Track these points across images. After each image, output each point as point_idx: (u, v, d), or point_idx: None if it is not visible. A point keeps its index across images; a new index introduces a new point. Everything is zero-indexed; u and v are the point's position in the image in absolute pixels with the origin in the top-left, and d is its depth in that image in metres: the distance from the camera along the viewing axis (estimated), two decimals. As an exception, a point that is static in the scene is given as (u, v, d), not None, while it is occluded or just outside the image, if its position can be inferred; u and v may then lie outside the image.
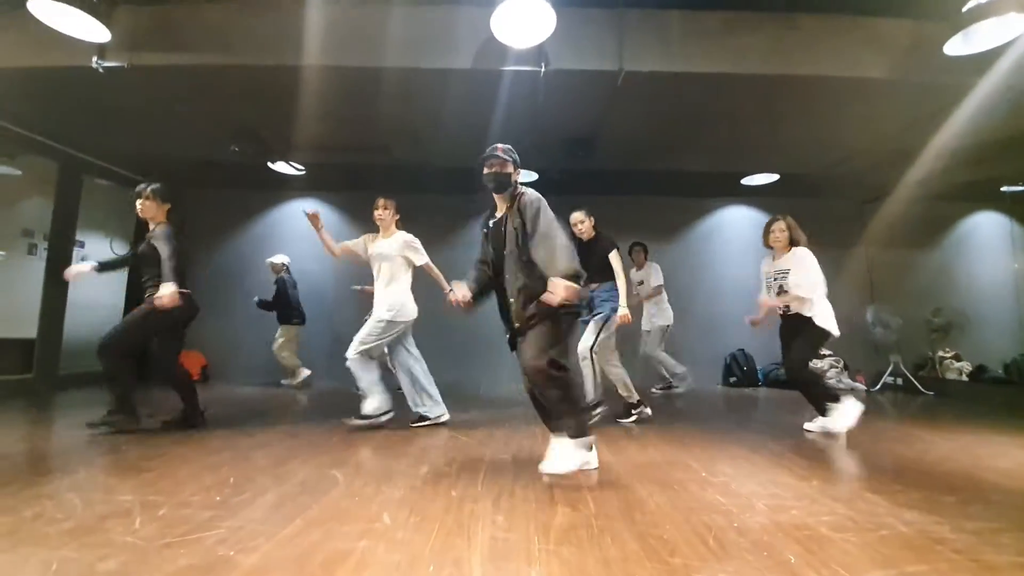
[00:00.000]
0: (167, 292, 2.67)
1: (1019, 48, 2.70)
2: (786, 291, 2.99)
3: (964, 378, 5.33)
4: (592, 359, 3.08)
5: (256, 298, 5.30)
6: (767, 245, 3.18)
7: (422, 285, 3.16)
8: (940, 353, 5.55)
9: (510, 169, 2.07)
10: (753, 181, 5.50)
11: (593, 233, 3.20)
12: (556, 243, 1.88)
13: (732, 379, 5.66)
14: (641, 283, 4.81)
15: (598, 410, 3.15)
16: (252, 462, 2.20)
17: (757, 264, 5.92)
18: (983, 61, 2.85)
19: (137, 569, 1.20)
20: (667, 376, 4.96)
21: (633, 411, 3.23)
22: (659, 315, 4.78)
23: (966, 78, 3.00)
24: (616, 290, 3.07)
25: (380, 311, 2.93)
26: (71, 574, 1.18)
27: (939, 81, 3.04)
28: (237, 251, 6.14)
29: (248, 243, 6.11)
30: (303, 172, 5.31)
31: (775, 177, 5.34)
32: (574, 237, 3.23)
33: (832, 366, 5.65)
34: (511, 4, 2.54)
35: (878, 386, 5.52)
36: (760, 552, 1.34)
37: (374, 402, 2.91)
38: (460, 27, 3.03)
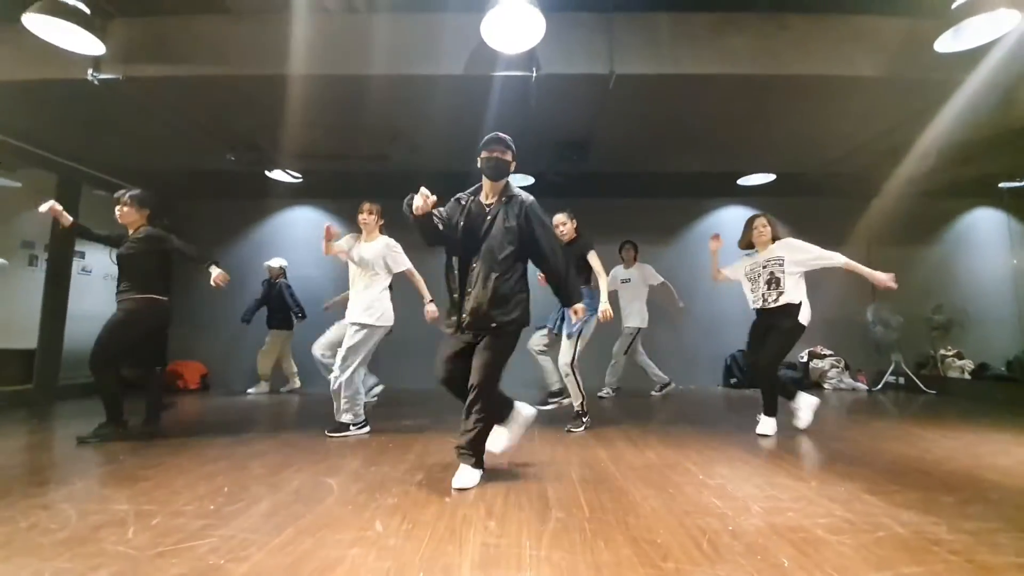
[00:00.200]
0: (219, 273, 2.89)
1: (1009, 43, 2.70)
2: (779, 279, 2.96)
3: (966, 376, 5.30)
4: (574, 373, 3.11)
5: (301, 314, 5.32)
6: (748, 245, 3.19)
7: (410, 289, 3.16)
8: (942, 351, 5.52)
9: (509, 158, 2.08)
10: (750, 181, 5.50)
11: (574, 235, 3.22)
12: (570, 272, 2.20)
13: (732, 380, 5.64)
14: (628, 280, 4.79)
15: (585, 420, 3.18)
16: (248, 471, 2.20)
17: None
18: (974, 57, 2.85)
19: (128, 579, 1.20)
20: (612, 383, 4.91)
21: (551, 399, 3.34)
22: (634, 317, 4.74)
23: (958, 74, 3.00)
24: (591, 297, 3.09)
25: (358, 314, 2.90)
26: (62, 585, 1.18)
27: (931, 78, 3.04)
28: (236, 259, 6.14)
29: (247, 251, 6.13)
30: (300, 180, 5.33)
31: (771, 177, 5.34)
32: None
33: (833, 366, 5.63)
34: (501, 10, 2.56)
35: (880, 385, 5.49)
36: (753, 555, 1.33)
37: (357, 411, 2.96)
38: (451, 34, 3.05)
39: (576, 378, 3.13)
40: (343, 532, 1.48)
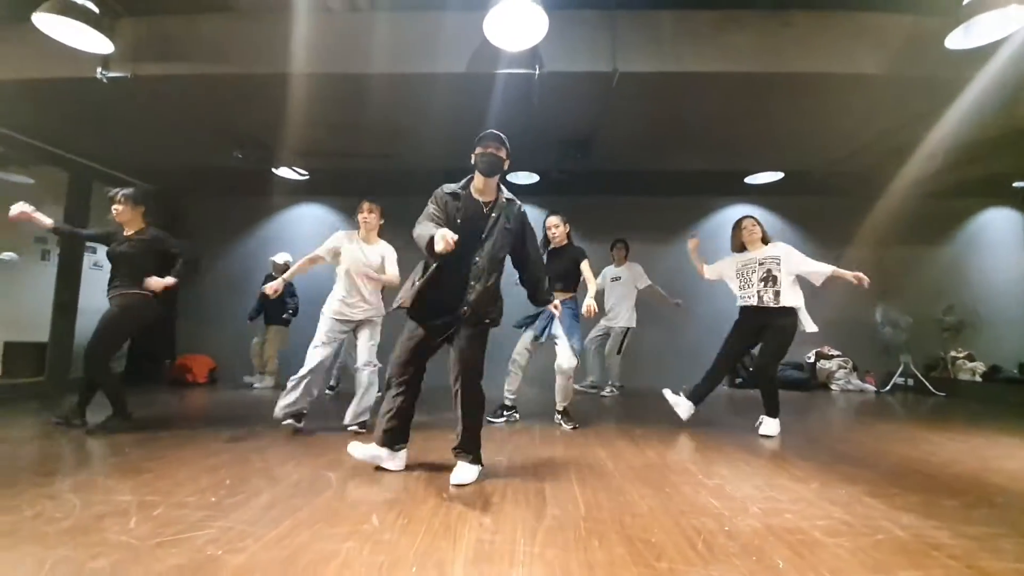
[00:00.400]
0: (157, 283, 2.92)
1: (1020, 40, 2.64)
2: (776, 277, 2.97)
3: (977, 378, 5.21)
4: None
5: (290, 310, 5.37)
6: (739, 246, 3.19)
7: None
8: (952, 353, 5.43)
9: (504, 155, 2.08)
10: (757, 180, 5.44)
11: (565, 240, 3.24)
12: (545, 278, 2.33)
13: (738, 380, 5.60)
14: (619, 279, 4.76)
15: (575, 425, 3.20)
16: (249, 464, 2.23)
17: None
18: (982, 55, 2.79)
19: (127, 568, 1.22)
20: (605, 381, 4.84)
21: (504, 412, 3.29)
22: (623, 317, 4.69)
23: (965, 72, 2.94)
24: (576, 310, 3.15)
25: (372, 314, 2.97)
26: (64, 572, 1.20)
27: (937, 75, 2.98)
28: (243, 256, 6.22)
29: (254, 248, 6.20)
30: (306, 177, 5.37)
31: (780, 175, 5.27)
32: (546, 241, 3.27)
33: (841, 367, 5.57)
34: (503, 8, 2.55)
35: (888, 387, 5.42)
36: (748, 556, 1.32)
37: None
38: (453, 32, 3.05)
39: (571, 384, 3.18)
40: (339, 526, 1.50)
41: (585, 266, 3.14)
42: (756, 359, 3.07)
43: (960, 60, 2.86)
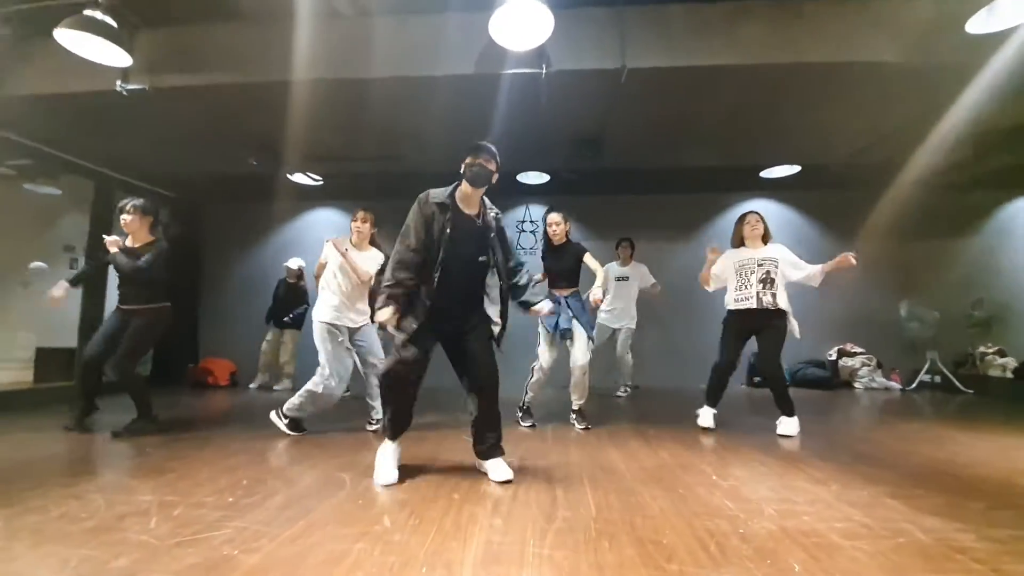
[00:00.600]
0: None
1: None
2: (773, 279, 2.95)
3: (1008, 375, 5.00)
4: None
5: (290, 316, 5.47)
6: (739, 240, 3.15)
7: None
8: (981, 349, 5.24)
9: (493, 168, 2.08)
10: (772, 174, 5.33)
11: (565, 238, 3.24)
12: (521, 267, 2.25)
13: (757, 379, 5.49)
14: (627, 279, 4.67)
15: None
16: (266, 465, 2.28)
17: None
18: (1005, 38, 2.68)
19: (147, 567, 1.26)
20: (628, 380, 4.80)
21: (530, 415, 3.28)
22: (629, 316, 4.63)
23: (987, 57, 2.83)
24: (583, 301, 3.18)
25: (363, 322, 3.05)
26: (86, 571, 1.25)
27: (959, 62, 2.87)
28: (262, 261, 6.35)
29: (271, 253, 6.32)
30: (321, 182, 5.46)
31: (796, 169, 5.16)
32: (547, 240, 3.28)
33: (864, 364, 5.42)
34: (509, 7, 2.55)
35: (914, 385, 5.26)
36: (762, 559, 1.30)
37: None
38: (459, 33, 3.06)
39: (586, 379, 3.17)
40: (351, 526, 1.52)
41: (589, 258, 3.13)
42: (762, 364, 3.02)
43: (982, 44, 2.75)
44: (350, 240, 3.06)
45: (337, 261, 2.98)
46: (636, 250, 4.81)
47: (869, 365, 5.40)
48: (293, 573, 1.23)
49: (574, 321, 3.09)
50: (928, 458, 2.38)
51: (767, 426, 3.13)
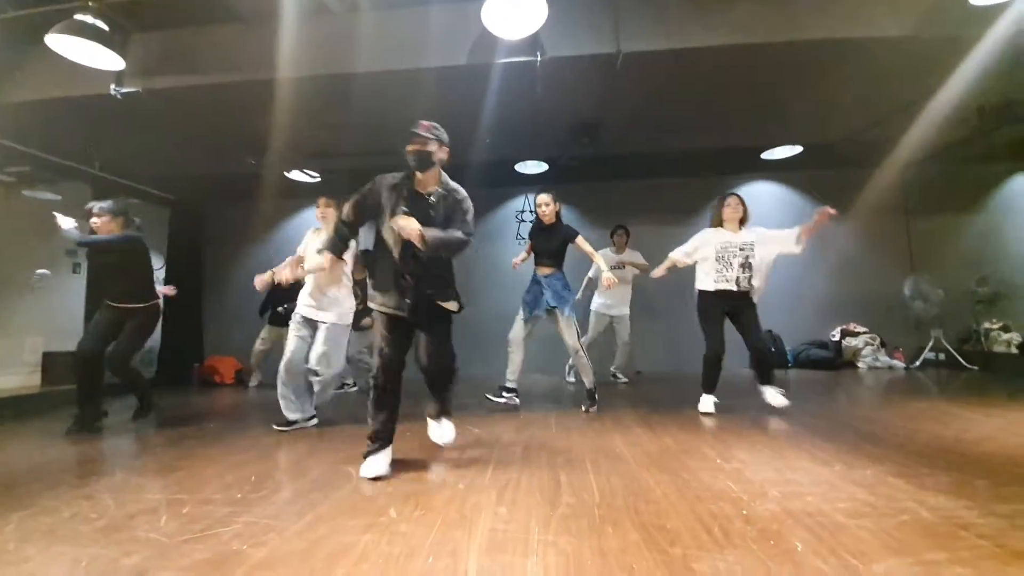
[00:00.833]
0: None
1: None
2: (752, 264, 3.00)
3: (1013, 350, 4.97)
4: (583, 351, 3.22)
5: (282, 307, 5.45)
6: (719, 220, 3.16)
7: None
8: (986, 325, 5.20)
9: (432, 147, 2.07)
10: (774, 155, 5.27)
11: (555, 219, 3.26)
12: (456, 239, 2.03)
13: (760, 362, 5.48)
14: (623, 267, 4.58)
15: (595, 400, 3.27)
16: (273, 460, 2.30)
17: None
18: (1009, 6, 2.62)
19: (157, 564, 1.28)
20: (630, 367, 4.77)
21: (505, 393, 3.34)
22: (625, 303, 4.59)
23: (992, 28, 2.77)
24: (563, 282, 3.26)
25: (329, 318, 2.95)
26: (97, 569, 1.27)
27: (964, 34, 2.81)
28: (263, 259, 6.35)
29: (273, 251, 6.32)
30: (318, 179, 5.45)
31: (798, 149, 5.10)
32: (536, 219, 3.32)
33: (868, 343, 5.40)
34: (500, -5, 2.52)
35: (918, 362, 5.24)
36: (765, 540, 1.30)
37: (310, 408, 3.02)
38: (452, 24, 3.02)
39: (586, 358, 3.23)
40: (358, 518, 1.53)
41: (582, 241, 3.17)
42: (753, 341, 3.05)
43: (986, 15, 2.69)
44: (322, 229, 3.08)
45: (309, 256, 2.99)
46: (637, 236, 4.77)
47: (872, 344, 5.38)
48: (302, 566, 1.24)
49: (555, 306, 3.17)
50: (933, 436, 2.38)
51: (770, 409, 3.13)
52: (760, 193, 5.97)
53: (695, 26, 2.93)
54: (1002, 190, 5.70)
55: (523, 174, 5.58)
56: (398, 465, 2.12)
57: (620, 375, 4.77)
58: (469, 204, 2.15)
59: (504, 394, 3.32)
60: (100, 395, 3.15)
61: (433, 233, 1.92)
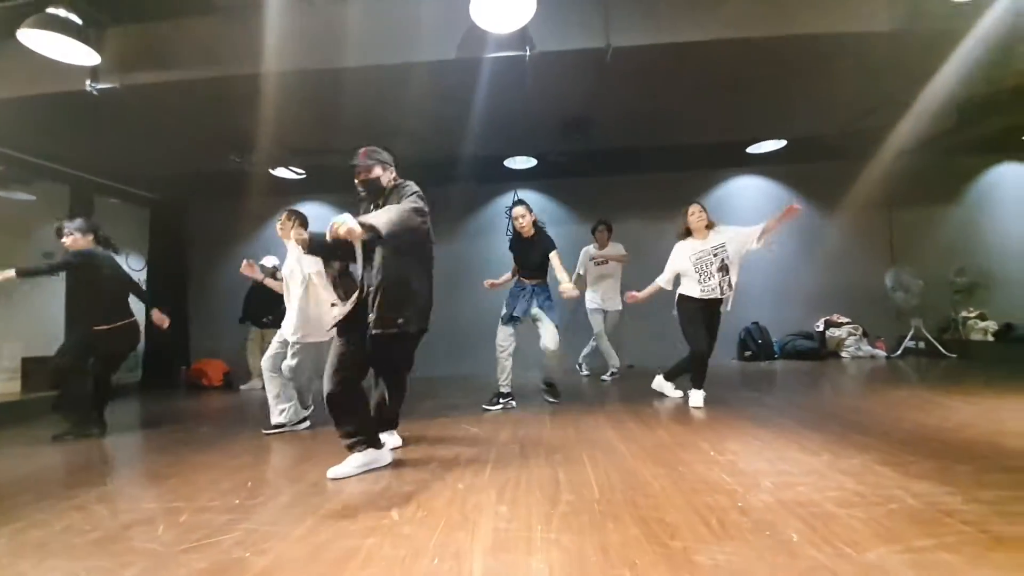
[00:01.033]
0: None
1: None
2: (727, 265, 3.09)
3: (990, 338, 5.15)
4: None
5: (269, 317, 5.39)
6: (685, 231, 3.26)
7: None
8: (964, 314, 5.37)
9: (377, 172, 2.10)
10: (759, 149, 5.34)
11: (533, 230, 3.32)
12: (396, 209, 1.88)
13: (747, 353, 5.59)
14: (605, 262, 4.62)
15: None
16: (269, 465, 2.28)
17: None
18: (992, 3, 2.68)
19: (156, 575, 1.26)
20: (614, 365, 4.75)
21: (500, 400, 3.36)
22: (617, 297, 4.59)
23: (975, 23, 2.83)
24: (549, 292, 3.34)
25: (295, 334, 3.01)
26: (96, 583, 1.25)
27: (948, 28, 2.87)
28: (248, 257, 6.23)
29: (258, 249, 6.20)
30: (304, 176, 5.36)
31: (782, 143, 5.17)
32: (515, 232, 3.37)
33: (851, 333, 5.53)
34: (489, -10, 2.49)
35: (899, 352, 5.39)
36: (761, 532, 1.34)
37: (289, 411, 3.03)
38: (439, 18, 2.98)
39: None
40: (360, 521, 1.53)
41: (554, 257, 3.23)
42: (711, 344, 3.20)
43: (969, 10, 2.76)
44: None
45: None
46: (626, 230, 4.80)
47: (855, 334, 5.52)
48: (306, 572, 1.24)
49: (540, 311, 3.25)
50: (916, 424, 2.46)
51: (759, 400, 3.21)
52: (747, 186, 6.05)
53: (685, 21, 2.94)
54: (979, 182, 5.87)
55: (512, 169, 5.56)
56: (396, 466, 2.12)
57: (610, 371, 4.78)
58: (413, 187, 2.07)
59: (500, 400, 3.34)
60: (88, 403, 3.12)
61: (367, 218, 1.76)
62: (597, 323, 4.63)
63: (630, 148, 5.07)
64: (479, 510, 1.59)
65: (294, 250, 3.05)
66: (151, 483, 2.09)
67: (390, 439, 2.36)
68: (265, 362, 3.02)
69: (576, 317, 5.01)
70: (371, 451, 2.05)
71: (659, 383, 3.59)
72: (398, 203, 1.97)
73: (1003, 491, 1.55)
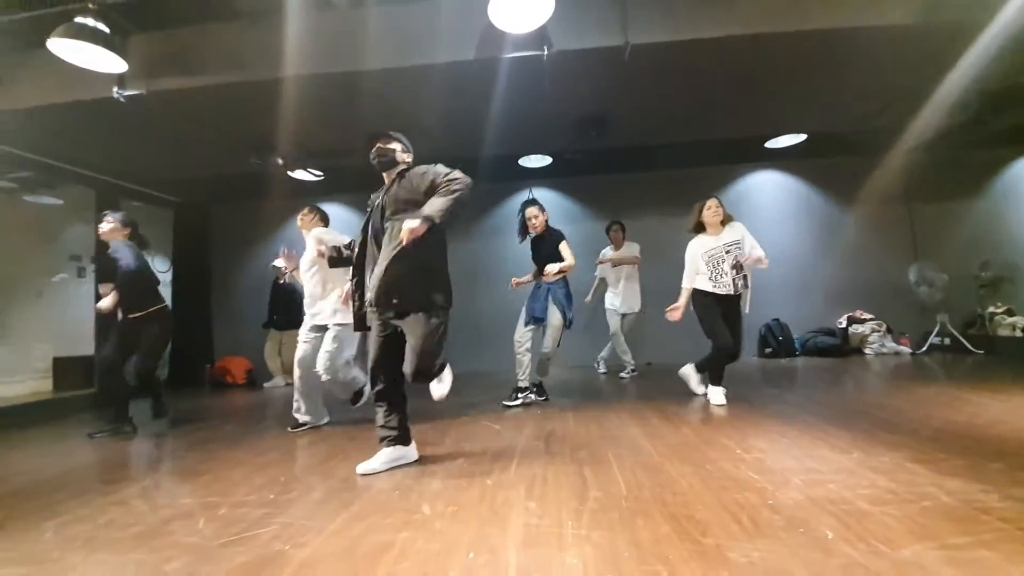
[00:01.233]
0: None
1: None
2: (741, 263, 3.06)
3: (1018, 334, 5.02)
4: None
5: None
6: (696, 227, 3.24)
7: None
8: (991, 309, 5.24)
9: (395, 147, 2.12)
10: (778, 144, 5.26)
11: (545, 228, 3.37)
12: (440, 194, 1.92)
13: (768, 350, 5.53)
14: (618, 266, 4.64)
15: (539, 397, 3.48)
16: (299, 461, 2.33)
17: (788, 230, 5.75)
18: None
19: (200, 568, 1.31)
20: (630, 363, 4.73)
21: (519, 395, 3.38)
22: (636, 299, 4.62)
23: (997, 13, 2.76)
24: (566, 289, 3.35)
25: (323, 320, 3.01)
26: (142, 575, 1.29)
27: (968, 19, 2.80)
28: (268, 258, 6.33)
29: (278, 249, 6.30)
30: (322, 177, 5.43)
31: (802, 138, 5.10)
32: (527, 232, 3.41)
33: (874, 330, 5.43)
34: (508, -10, 2.50)
35: (924, 348, 5.28)
36: (795, 529, 1.33)
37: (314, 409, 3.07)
38: (458, 19, 3.00)
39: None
40: (392, 516, 1.56)
41: (564, 246, 3.29)
42: (735, 343, 3.10)
43: (986, 1, 2.69)
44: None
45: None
46: (642, 227, 4.79)
47: (879, 331, 5.42)
48: (344, 565, 1.27)
49: (548, 311, 3.30)
50: (946, 421, 2.42)
51: (781, 397, 3.18)
52: (765, 181, 5.98)
53: (703, 17, 2.92)
54: (1003, 175, 5.71)
55: (527, 168, 5.57)
56: (423, 463, 2.15)
57: (628, 369, 4.76)
58: (424, 166, 2.08)
59: (519, 395, 3.36)
60: (126, 400, 3.23)
61: (421, 213, 1.83)
62: (614, 323, 4.64)
63: (646, 145, 5.04)
64: (508, 506, 1.61)
65: (313, 243, 3.08)
66: (186, 479, 2.15)
67: None
68: (298, 360, 2.97)
69: (595, 317, 5.03)
70: (400, 447, 2.09)
71: (687, 371, 3.48)
72: (408, 185, 2.03)
73: (1040, 489, 1.52)
